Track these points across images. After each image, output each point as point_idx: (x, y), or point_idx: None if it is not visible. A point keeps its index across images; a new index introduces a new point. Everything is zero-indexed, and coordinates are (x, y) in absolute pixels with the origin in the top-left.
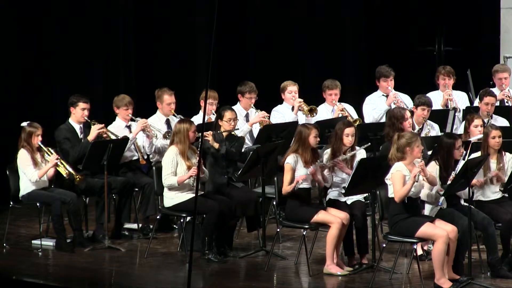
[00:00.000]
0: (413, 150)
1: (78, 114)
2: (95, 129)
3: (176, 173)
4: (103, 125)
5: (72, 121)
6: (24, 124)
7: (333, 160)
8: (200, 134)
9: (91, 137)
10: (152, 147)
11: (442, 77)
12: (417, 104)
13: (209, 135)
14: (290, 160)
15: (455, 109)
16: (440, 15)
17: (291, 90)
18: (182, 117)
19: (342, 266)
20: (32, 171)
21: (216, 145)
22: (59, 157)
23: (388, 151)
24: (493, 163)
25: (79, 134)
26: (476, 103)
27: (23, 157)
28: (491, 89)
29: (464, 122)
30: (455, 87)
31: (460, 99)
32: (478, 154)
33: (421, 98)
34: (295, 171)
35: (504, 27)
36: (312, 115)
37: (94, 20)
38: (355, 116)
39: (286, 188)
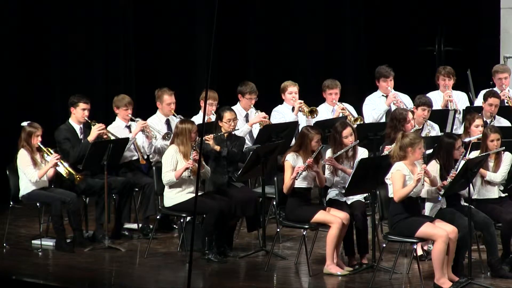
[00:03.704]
0: (415, 151)
1: (78, 114)
2: (95, 130)
3: (176, 170)
4: (104, 125)
5: (72, 121)
6: (24, 124)
7: (326, 159)
8: (200, 135)
9: (91, 137)
10: (152, 147)
11: (442, 77)
12: (417, 104)
13: (209, 138)
14: (289, 158)
15: (455, 110)
16: (440, 15)
17: (291, 90)
18: (182, 117)
19: (342, 266)
20: (32, 171)
21: (218, 148)
22: (59, 157)
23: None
24: (491, 162)
25: (79, 134)
26: (476, 103)
27: (23, 157)
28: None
29: (464, 122)
30: (455, 87)
31: (460, 100)
32: (477, 153)
33: (421, 98)
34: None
35: (504, 27)
36: (313, 116)
37: (94, 21)
38: (356, 115)
39: (287, 183)
